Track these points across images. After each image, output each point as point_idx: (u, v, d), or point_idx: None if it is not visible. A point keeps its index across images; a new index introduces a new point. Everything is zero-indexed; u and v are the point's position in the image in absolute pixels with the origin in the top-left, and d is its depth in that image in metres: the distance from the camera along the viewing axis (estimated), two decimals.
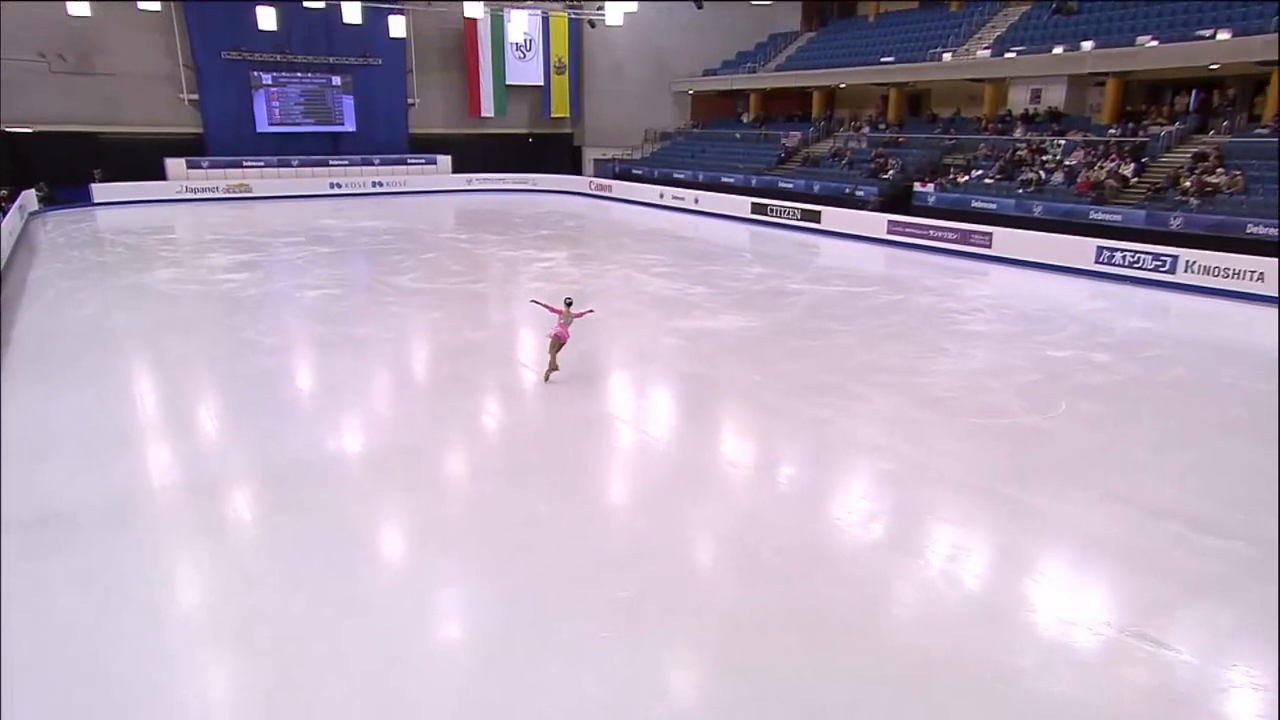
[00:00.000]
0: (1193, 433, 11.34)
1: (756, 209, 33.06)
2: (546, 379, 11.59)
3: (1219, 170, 24.72)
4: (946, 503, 8.39)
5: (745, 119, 42.55)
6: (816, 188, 32.47)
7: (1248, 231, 22.34)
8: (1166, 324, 19.38)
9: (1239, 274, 21.03)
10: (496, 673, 5.11)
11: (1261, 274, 20.87)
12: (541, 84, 44.52)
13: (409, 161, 43.70)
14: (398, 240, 27.84)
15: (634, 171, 42.14)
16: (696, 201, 35.44)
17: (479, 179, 44.94)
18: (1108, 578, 7.15)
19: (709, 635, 5.75)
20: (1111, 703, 5.55)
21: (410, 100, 41.82)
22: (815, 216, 30.71)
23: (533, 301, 13.47)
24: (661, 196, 37.41)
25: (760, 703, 4.96)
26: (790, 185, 33.61)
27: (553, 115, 45.03)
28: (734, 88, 41.69)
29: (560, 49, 44.07)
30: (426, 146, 44.37)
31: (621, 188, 40.83)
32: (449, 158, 44.67)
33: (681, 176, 38.49)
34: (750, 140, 38.89)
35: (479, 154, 45.56)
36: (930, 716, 5.18)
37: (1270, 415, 11.72)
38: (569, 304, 11.91)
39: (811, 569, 7.02)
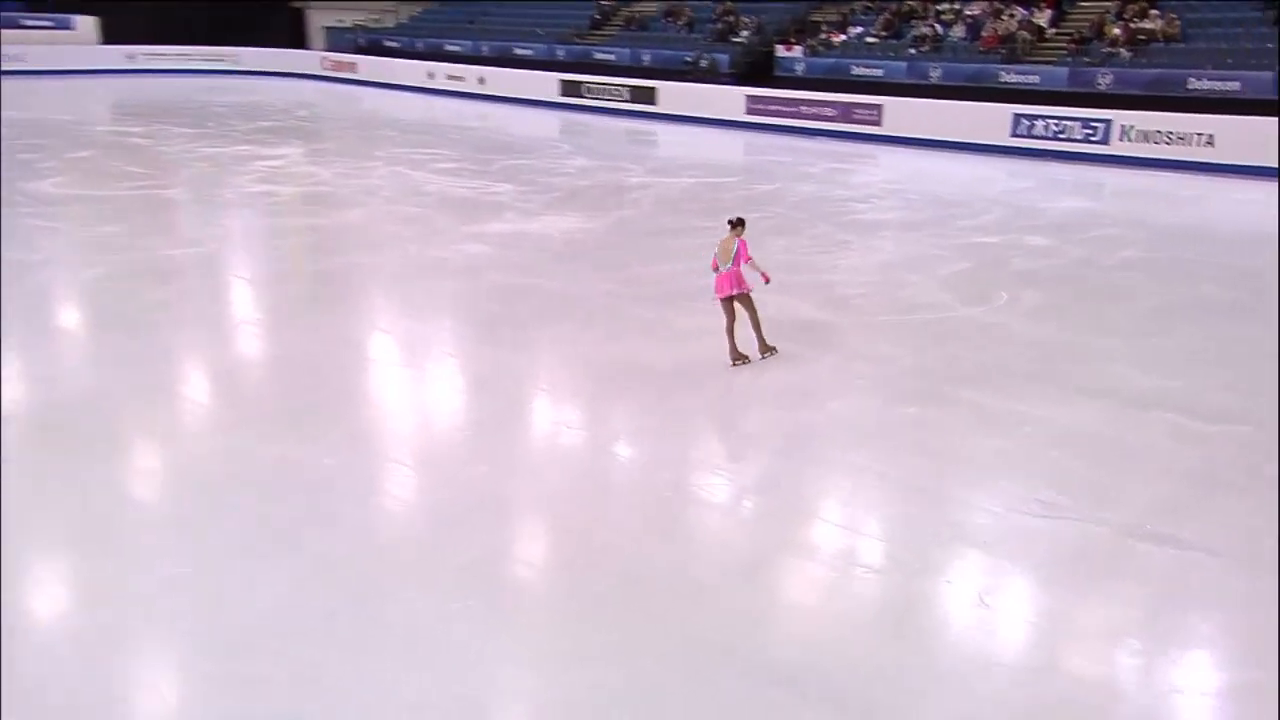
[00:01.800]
0: (1164, 316, 11.97)
1: (567, 89, 33.07)
2: (735, 363, 10.30)
3: (1152, 13, 25.94)
4: (888, 418, 8.55)
5: None
6: (647, 58, 32.74)
7: (1189, 87, 23.61)
8: (1105, 202, 20.48)
9: (1184, 138, 22.33)
10: None
11: (1210, 137, 22.07)
12: None
13: (25, 23, 36.91)
14: (23, 134, 25.46)
15: (387, 44, 41.01)
16: (482, 82, 35.14)
17: (147, 54, 39.63)
18: (1111, 477, 7.41)
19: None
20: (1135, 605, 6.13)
21: None
22: (648, 96, 31.18)
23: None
24: (432, 77, 37.04)
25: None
26: (611, 56, 33.80)
27: None
28: None
29: None
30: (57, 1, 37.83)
31: (371, 66, 39.73)
32: (93, 20, 38.76)
33: (458, 49, 37.95)
34: None
35: (145, 16, 39.82)
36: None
37: (1251, 291, 13.21)
38: (736, 226, 10.15)
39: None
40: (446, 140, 25.25)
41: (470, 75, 35.01)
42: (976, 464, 7.85)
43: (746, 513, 7.21)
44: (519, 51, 35.13)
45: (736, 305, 10.20)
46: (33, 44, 36.25)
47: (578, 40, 34.60)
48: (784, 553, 6.63)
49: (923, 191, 19.90)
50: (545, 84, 32.68)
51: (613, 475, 7.76)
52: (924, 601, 6.03)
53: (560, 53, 34.28)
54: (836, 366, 10.06)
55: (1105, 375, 9.77)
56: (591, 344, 10.37)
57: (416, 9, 42.11)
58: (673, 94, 30.29)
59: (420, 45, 38.78)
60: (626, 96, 31.15)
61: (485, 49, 36.37)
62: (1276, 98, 22.06)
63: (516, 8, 38.93)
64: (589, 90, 31.80)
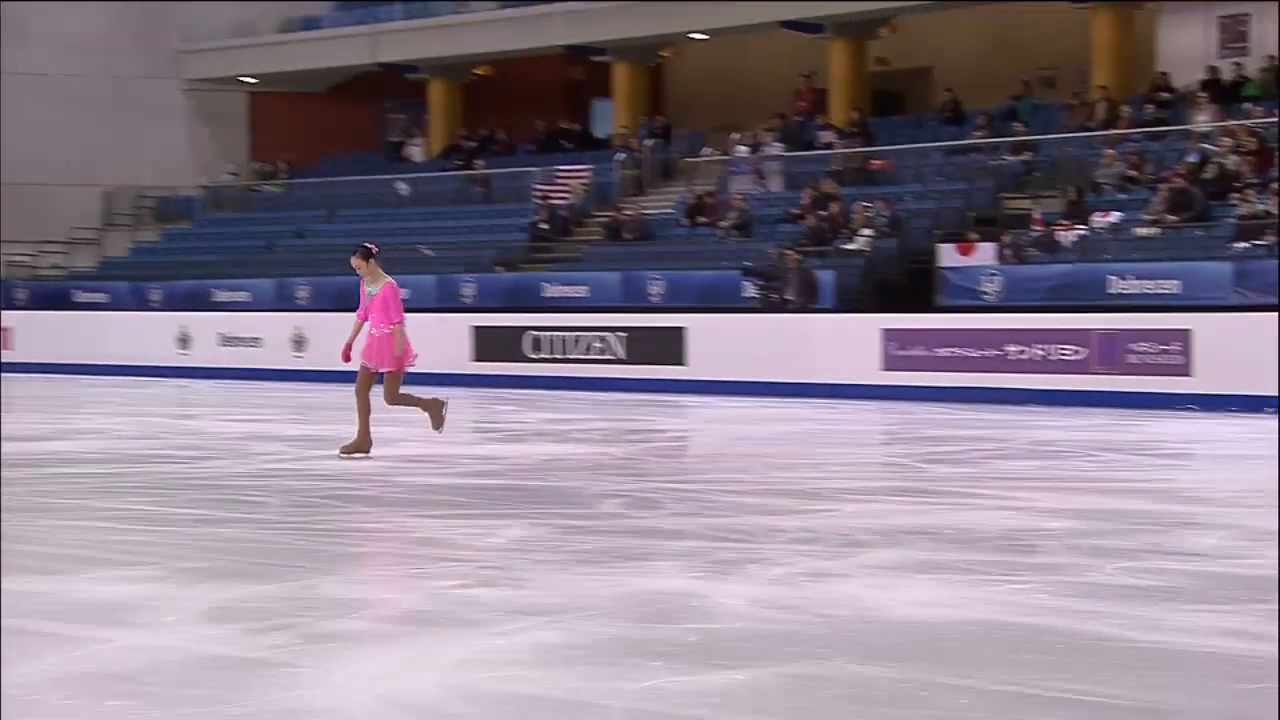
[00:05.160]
0: None
1: (491, 347, 26.94)
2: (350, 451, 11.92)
3: None
4: None
5: (416, 150, 36.32)
6: (657, 286, 27.10)
7: None
8: None
9: None
10: None
11: None
12: None
13: None
14: None
15: (80, 297, 33.88)
16: (300, 345, 28.49)
17: None
18: None
19: None
20: None
21: None
22: (668, 347, 25.20)
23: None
24: (186, 344, 30.33)
25: None
26: (579, 289, 28.25)
27: None
28: (377, 61, 35.65)
29: None
30: None
31: (41, 335, 32.50)
32: None
33: (236, 296, 32.20)
34: (441, 195, 33.80)
35: None
36: None
37: None
38: (364, 252, 12.12)
39: None
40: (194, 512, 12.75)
41: (275, 332, 28.00)
42: None
43: None
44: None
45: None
46: None
47: (514, 264, 29.24)
48: None
49: None
50: (440, 341, 24.93)
51: None
52: None
53: (468, 288, 28.07)
54: None
55: None
56: None
57: (156, 231, 35.75)
58: (716, 340, 24.38)
59: (156, 293, 32.20)
60: (619, 352, 25.18)
61: (303, 291, 29.80)
62: None
63: (376, 216, 32.96)
64: (539, 346, 25.79)
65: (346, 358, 12.19)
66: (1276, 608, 5.49)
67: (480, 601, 6.46)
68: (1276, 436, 12.52)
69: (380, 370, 12.02)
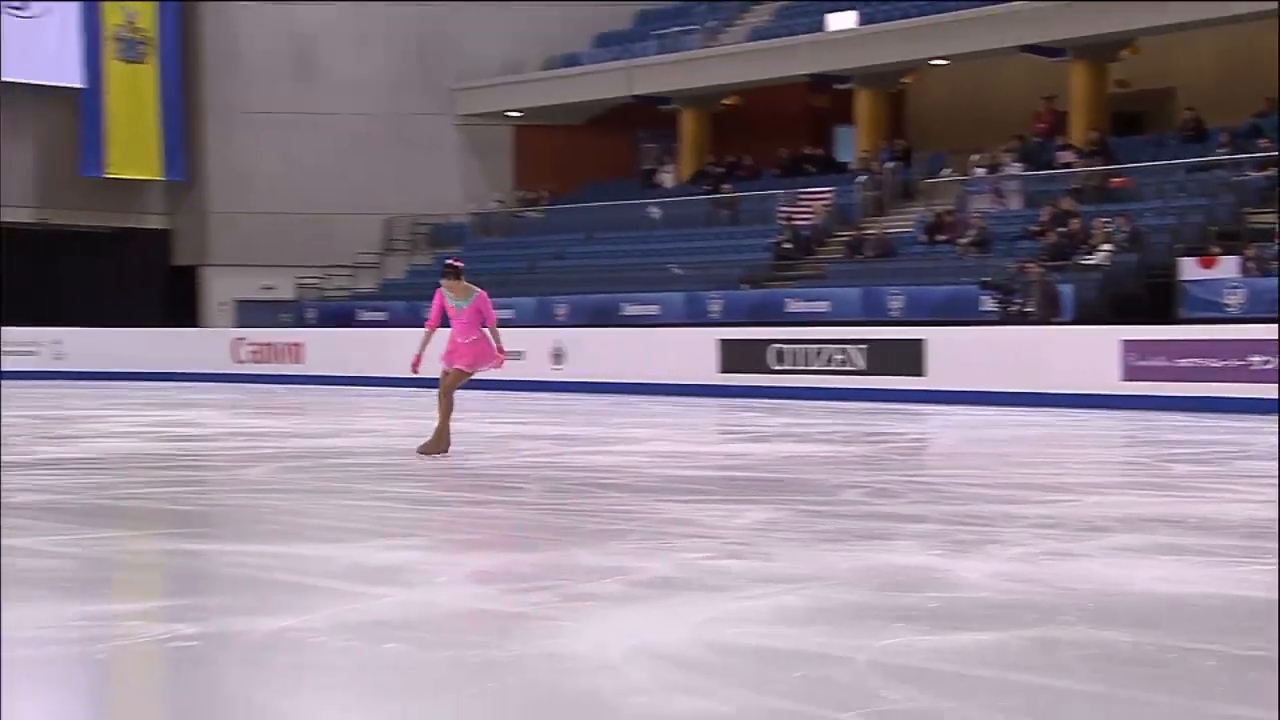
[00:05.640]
0: None
1: (737, 358, 26.56)
2: (429, 451, 11.57)
3: None
4: None
5: (667, 176, 35.69)
6: (897, 301, 26.55)
7: None
8: None
9: None
10: None
11: None
12: (79, 85, 34.82)
13: None
14: None
15: (361, 314, 34.50)
16: (559, 359, 28.45)
17: None
18: None
19: None
20: None
21: None
22: (908, 357, 24.78)
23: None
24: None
25: None
26: (820, 305, 27.65)
27: (110, 174, 35.41)
28: (633, 94, 35.21)
29: None
30: None
31: (327, 348, 32.91)
32: None
33: (501, 314, 30.48)
34: (690, 218, 33.16)
35: None
36: None
37: None
38: (453, 272, 11.63)
39: None
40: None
41: (536, 346, 27.93)
42: None
43: None
44: (633, 309, 29.34)
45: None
46: None
47: (758, 281, 28.75)
48: None
49: None
50: (689, 353, 26.20)
51: None
52: None
53: (714, 304, 27.89)
54: None
55: None
56: None
57: (426, 256, 35.37)
58: (956, 351, 23.91)
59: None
60: (859, 363, 25.03)
61: (562, 308, 29.95)
62: None
63: (625, 238, 32.91)
64: (782, 358, 25.61)
65: (416, 369, 11.72)
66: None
67: (727, 571, 6.29)
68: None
69: (480, 369, 11.71)
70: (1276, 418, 14.39)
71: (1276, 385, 17.19)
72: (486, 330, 11.62)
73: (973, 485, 10.54)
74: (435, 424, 11.68)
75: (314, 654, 4.75)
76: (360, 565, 6.58)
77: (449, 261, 11.96)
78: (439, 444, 11.58)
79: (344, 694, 4.14)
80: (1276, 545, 6.29)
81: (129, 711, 4.18)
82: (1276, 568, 5.80)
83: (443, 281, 11.66)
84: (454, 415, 11.95)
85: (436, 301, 11.63)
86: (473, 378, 11.89)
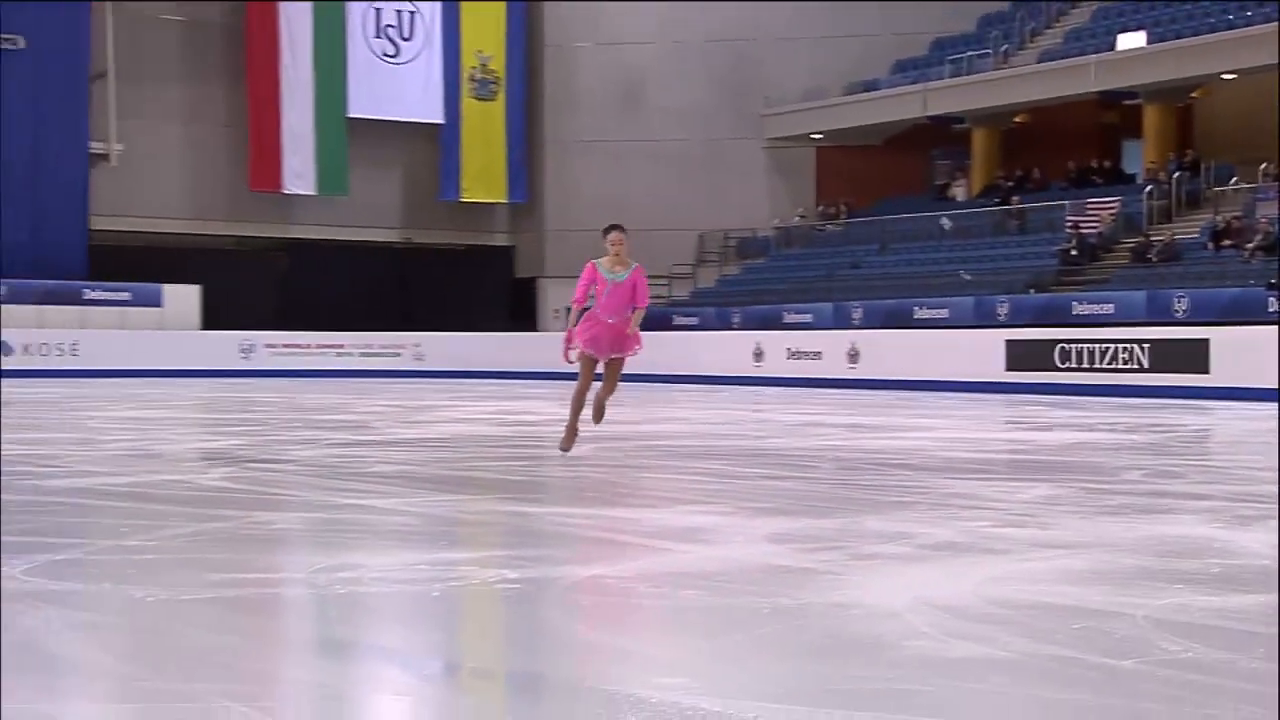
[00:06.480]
0: None
1: (1022, 357, 25.92)
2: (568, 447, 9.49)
3: None
4: None
5: (959, 190, 35.26)
6: (1182, 304, 25.33)
7: None
8: None
9: None
10: None
11: None
12: (439, 122, 35.67)
13: (87, 295, 29.42)
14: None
15: (677, 320, 34.05)
16: (854, 358, 28.07)
17: (270, 343, 31.02)
18: None
19: None
20: None
21: (99, 149, 32.67)
22: (1193, 355, 23.78)
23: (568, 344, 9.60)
24: (759, 358, 30.48)
25: None
26: (1105, 307, 26.63)
27: (464, 198, 36.37)
28: (927, 115, 34.62)
29: (487, 43, 35.77)
30: (133, 262, 30.86)
31: (646, 351, 31.32)
32: (196, 290, 31.05)
33: (801, 318, 31.73)
34: (979, 228, 32.72)
35: (272, 286, 33.06)
36: None
37: None
38: (615, 236, 9.16)
39: None
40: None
41: (834, 347, 28.28)
42: None
43: None
44: (924, 313, 28.76)
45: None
46: (87, 332, 28.98)
47: (1044, 286, 28.00)
48: None
49: None
50: (976, 353, 25.72)
51: None
52: None
53: (1002, 307, 27.32)
54: None
55: None
56: None
57: (735, 267, 35.89)
58: (1241, 350, 22.74)
59: (737, 317, 32.83)
60: (1143, 362, 24.09)
61: (858, 313, 29.56)
62: None
63: (917, 249, 32.38)
64: (1068, 357, 24.95)
65: (569, 357, 9.41)
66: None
67: (1009, 538, 5.99)
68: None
69: (628, 354, 9.43)
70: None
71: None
72: (632, 313, 9.30)
73: (1257, 470, 9.80)
74: (592, 416, 9.53)
75: (620, 597, 4.83)
76: (665, 526, 6.60)
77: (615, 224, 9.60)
78: (568, 440, 9.43)
79: (644, 629, 4.20)
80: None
81: (462, 639, 4.33)
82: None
83: (615, 235, 9.19)
84: (756, 406, 11.51)
85: (586, 275, 9.26)
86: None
